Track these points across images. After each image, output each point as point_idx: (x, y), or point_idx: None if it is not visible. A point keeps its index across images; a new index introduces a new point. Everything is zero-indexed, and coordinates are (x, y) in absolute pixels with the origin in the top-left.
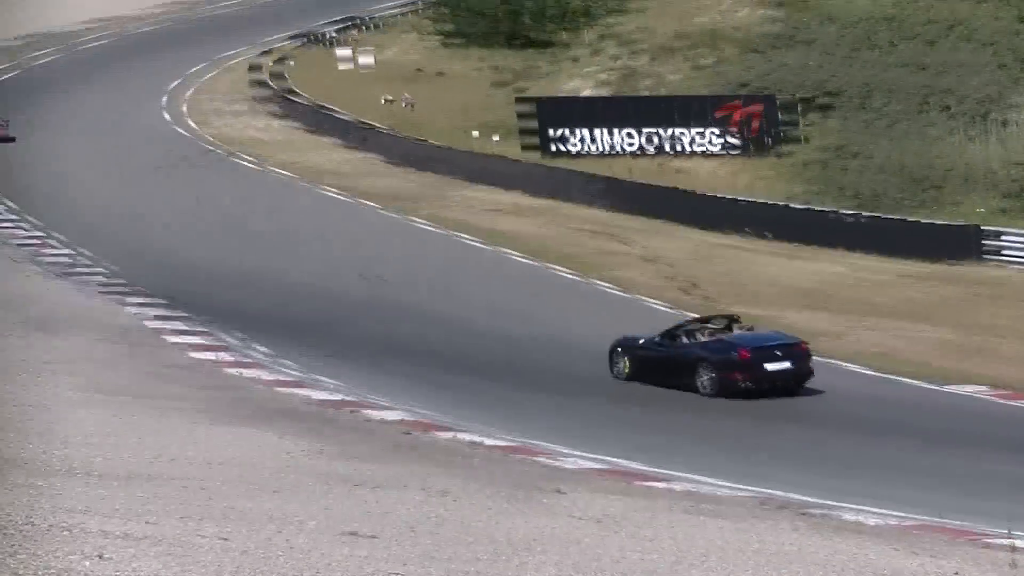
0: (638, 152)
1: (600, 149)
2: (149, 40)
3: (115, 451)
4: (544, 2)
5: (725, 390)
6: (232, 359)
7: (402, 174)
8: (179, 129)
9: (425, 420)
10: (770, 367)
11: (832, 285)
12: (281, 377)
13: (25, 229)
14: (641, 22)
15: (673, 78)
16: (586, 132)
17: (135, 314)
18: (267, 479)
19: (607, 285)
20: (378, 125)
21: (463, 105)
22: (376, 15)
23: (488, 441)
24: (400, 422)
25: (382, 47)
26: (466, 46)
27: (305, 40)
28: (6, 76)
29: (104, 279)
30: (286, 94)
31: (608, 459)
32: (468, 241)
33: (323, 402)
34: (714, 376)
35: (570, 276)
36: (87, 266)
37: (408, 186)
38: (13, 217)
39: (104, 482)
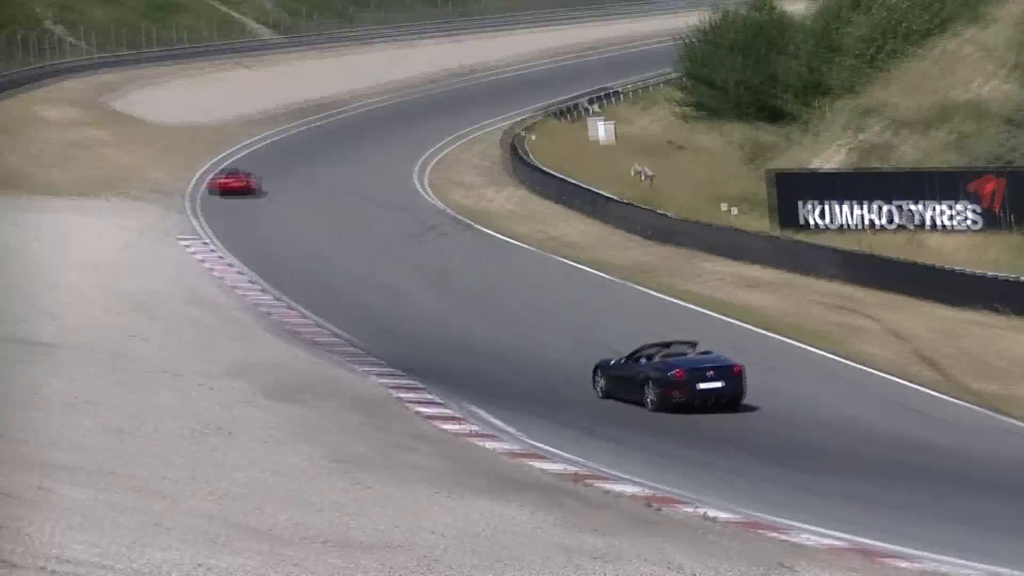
0: (884, 226)
1: (845, 223)
2: (408, 109)
3: (353, 520)
4: (789, 76)
5: (663, 405)
6: (475, 430)
7: (643, 246)
8: (429, 198)
9: (662, 493)
10: (702, 386)
11: None
12: (521, 449)
13: (272, 297)
14: (889, 96)
15: (915, 152)
16: (831, 205)
17: (381, 384)
18: (506, 550)
19: (845, 359)
20: (617, 198)
21: (707, 178)
22: (622, 88)
23: (724, 515)
24: (639, 495)
25: (627, 120)
26: (709, 119)
27: (555, 112)
28: (268, 140)
29: (351, 348)
30: (536, 166)
31: (845, 536)
32: (706, 313)
33: (562, 474)
34: (653, 392)
35: (808, 349)
36: (334, 335)
37: (648, 258)
38: (259, 285)
39: (341, 552)
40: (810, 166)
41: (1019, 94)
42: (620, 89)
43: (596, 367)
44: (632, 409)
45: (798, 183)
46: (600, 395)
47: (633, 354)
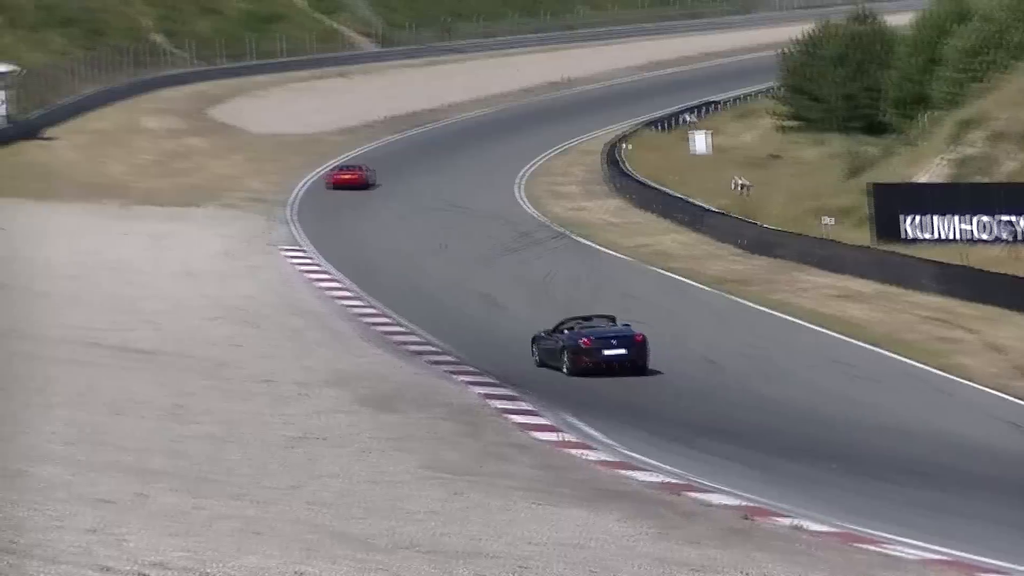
0: (989, 239)
1: (945, 235)
2: (507, 120)
3: (448, 529)
4: (890, 88)
5: (575, 370)
6: (569, 439)
7: (739, 257)
8: (527, 208)
9: (760, 505)
10: (607, 352)
11: None
12: (616, 459)
13: (370, 306)
14: (991, 108)
15: (1016, 165)
16: (931, 218)
17: (477, 392)
18: (601, 561)
19: (942, 371)
20: (713, 208)
21: (805, 189)
22: (721, 99)
23: (819, 527)
24: (733, 506)
25: (724, 131)
26: (808, 130)
27: (651, 122)
28: (368, 151)
29: (447, 357)
30: (633, 176)
31: (941, 548)
32: (801, 324)
33: (659, 484)
34: (566, 358)
35: (904, 361)
36: (430, 343)
37: (743, 269)
38: (356, 294)
39: (436, 560)
40: (911, 178)
41: None
42: (719, 100)
43: (533, 338)
44: (726, 420)
45: (897, 195)
46: (536, 363)
47: (558, 326)
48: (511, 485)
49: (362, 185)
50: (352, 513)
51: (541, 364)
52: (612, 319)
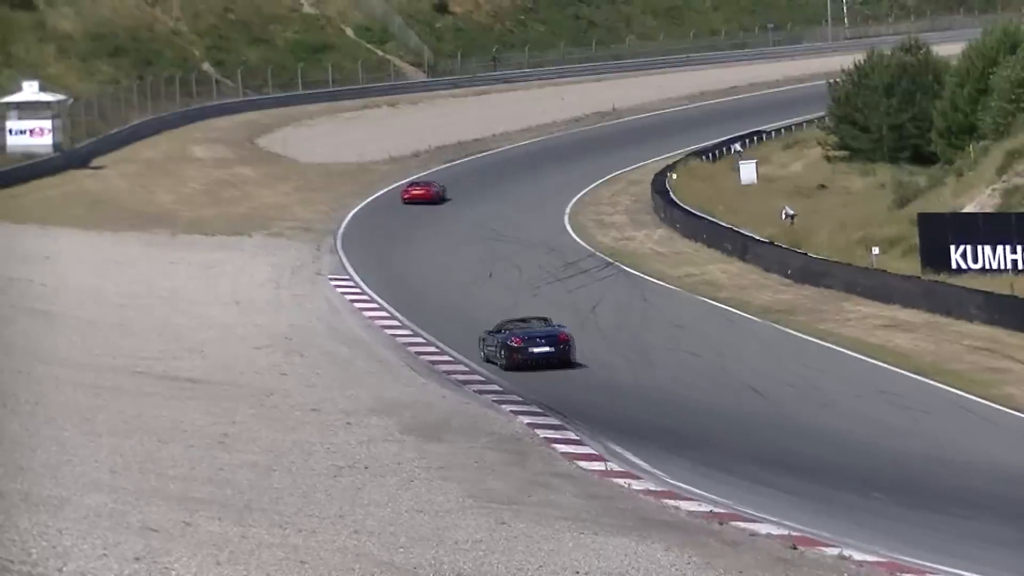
0: None
1: (993, 265)
2: (554, 150)
3: (495, 558)
4: (937, 118)
5: (509, 365)
6: (615, 469)
7: (785, 286)
8: (574, 237)
9: (806, 535)
10: (535, 350)
11: None
12: (662, 488)
13: (421, 338)
14: None
15: None
16: (978, 248)
17: (527, 423)
18: None
19: (989, 401)
20: (760, 237)
21: (852, 219)
22: (768, 129)
23: (870, 558)
24: (779, 535)
25: (771, 160)
26: (855, 160)
27: (697, 151)
28: (414, 178)
29: (493, 385)
30: (680, 205)
31: None
32: (847, 353)
33: (705, 514)
34: (502, 355)
35: (950, 391)
36: (476, 372)
37: (790, 298)
38: (402, 322)
39: None
40: (959, 208)
41: None
42: (767, 130)
43: (480, 338)
44: (772, 449)
45: (944, 225)
46: (483, 359)
47: (499, 327)
48: (557, 514)
49: (433, 200)
50: (397, 542)
51: (486, 360)
52: (547, 320)
